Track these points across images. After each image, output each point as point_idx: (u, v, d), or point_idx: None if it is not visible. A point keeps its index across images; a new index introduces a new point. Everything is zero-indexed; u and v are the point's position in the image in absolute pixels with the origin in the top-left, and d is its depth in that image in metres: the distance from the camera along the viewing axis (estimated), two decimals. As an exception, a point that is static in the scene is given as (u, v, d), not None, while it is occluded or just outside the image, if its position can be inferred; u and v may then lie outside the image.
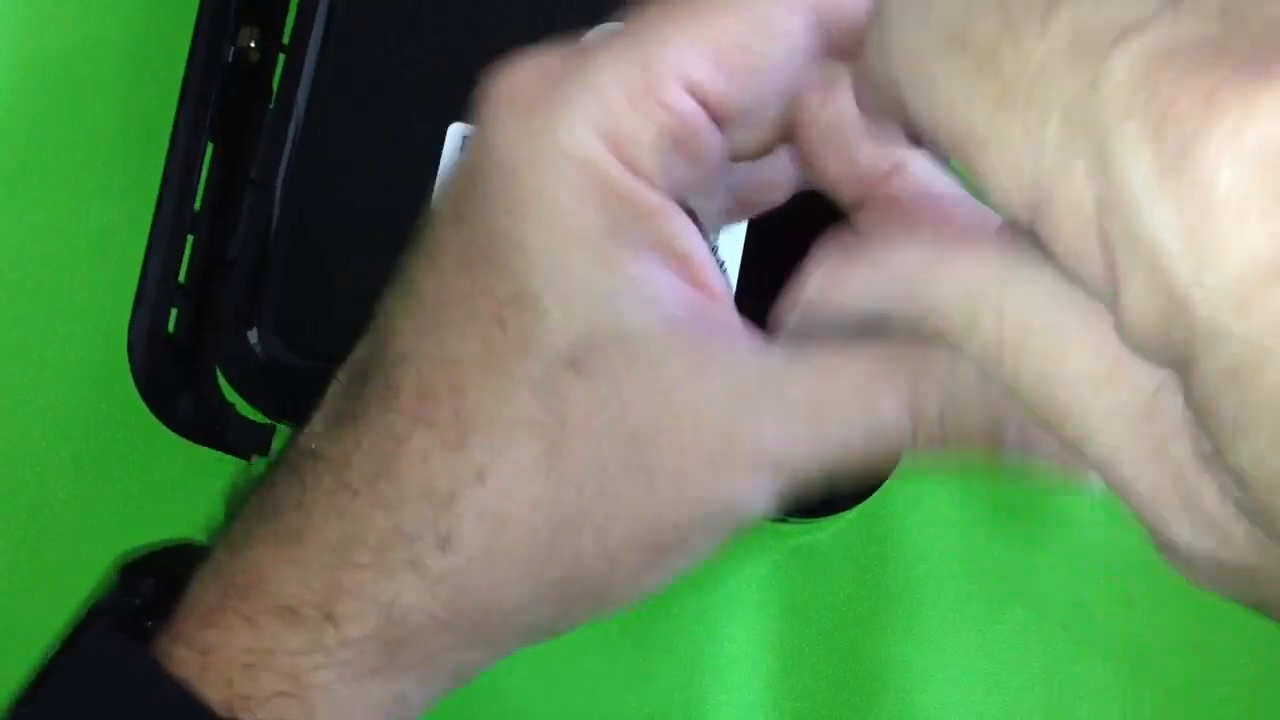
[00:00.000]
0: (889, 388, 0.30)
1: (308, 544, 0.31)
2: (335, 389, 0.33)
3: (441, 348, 0.31)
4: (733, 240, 0.45)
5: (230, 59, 0.47)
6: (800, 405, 0.30)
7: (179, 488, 0.50)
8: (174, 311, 0.46)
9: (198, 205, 0.47)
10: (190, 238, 0.46)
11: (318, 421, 0.33)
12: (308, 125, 0.45)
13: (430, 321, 0.31)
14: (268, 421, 0.47)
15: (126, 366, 0.46)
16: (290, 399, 0.46)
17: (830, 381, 0.30)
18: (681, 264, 0.31)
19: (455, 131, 0.45)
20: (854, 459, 0.31)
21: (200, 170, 0.47)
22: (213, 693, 0.31)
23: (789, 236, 0.45)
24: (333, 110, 0.45)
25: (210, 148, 0.47)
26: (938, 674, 0.49)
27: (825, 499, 0.46)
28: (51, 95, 0.52)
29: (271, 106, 0.46)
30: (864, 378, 0.30)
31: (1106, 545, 0.50)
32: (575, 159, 0.30)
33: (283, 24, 0.48)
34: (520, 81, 0.30)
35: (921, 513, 0.50)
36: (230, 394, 0.47)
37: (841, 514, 0.46)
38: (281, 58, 0.47)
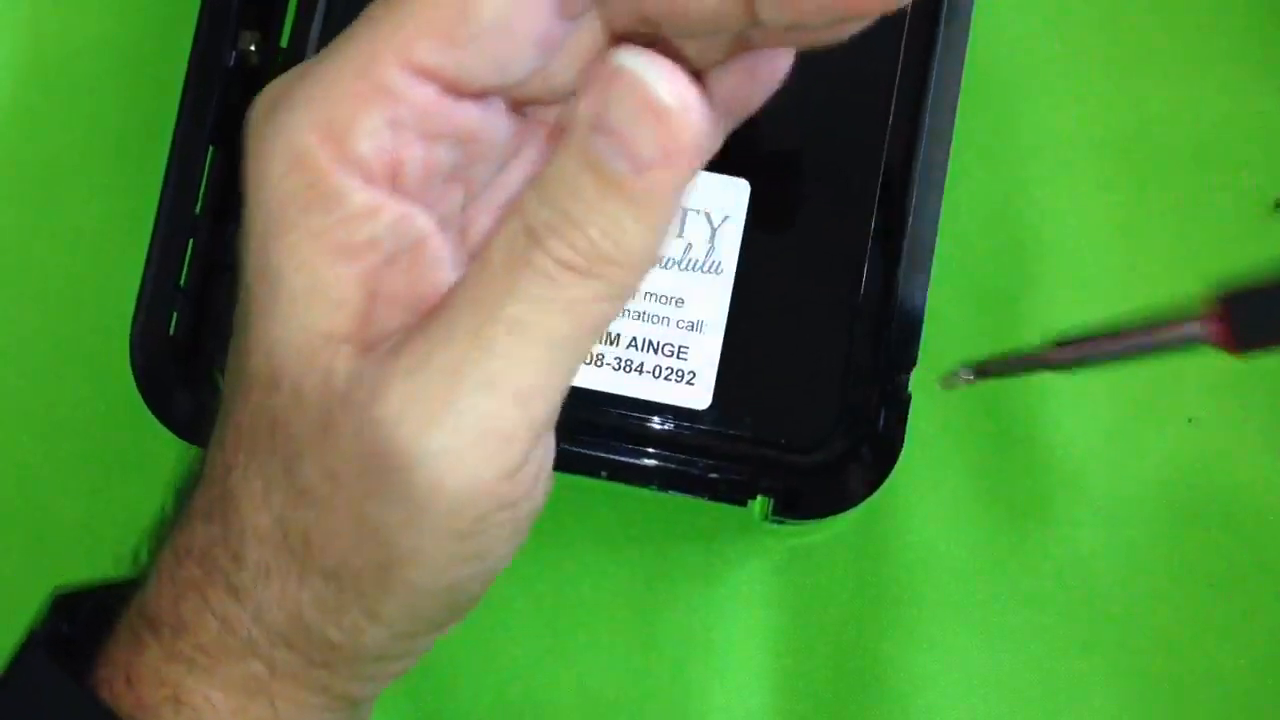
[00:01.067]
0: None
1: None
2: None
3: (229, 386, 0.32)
4: (732, 239, 0.45)
5: (230, 62, 0.47)
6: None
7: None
8: (174, 314, 0.46)
9: (198, 208, 0.47)
10: (191, 240, 0.47)
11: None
12: (307, 128, 0.45)
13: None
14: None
15: (127, 368, 0.46)
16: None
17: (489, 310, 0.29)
18: (378, 254, 0.29)
19: (453, 133, 0.45)
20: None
21: (201, 173, 0.47)
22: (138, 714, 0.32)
23: (789, 234, 0.45)
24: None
25: (210, 150, 0.47)
26: (937, 674, 0.49)
27: (825, 499, 0.46)
28: (52, 98, 0.52)
29: (271, 109, 0.46)
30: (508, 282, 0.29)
31: (1107, 545, 0.50)
32: (288, 157, 0.29)
33: (282, 28, 0.48)
34: (269, 92, 0.30)
35: (921, 513, 0.50)
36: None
37: (841, 514, 0.46)
38: (280, 61, 0.47)
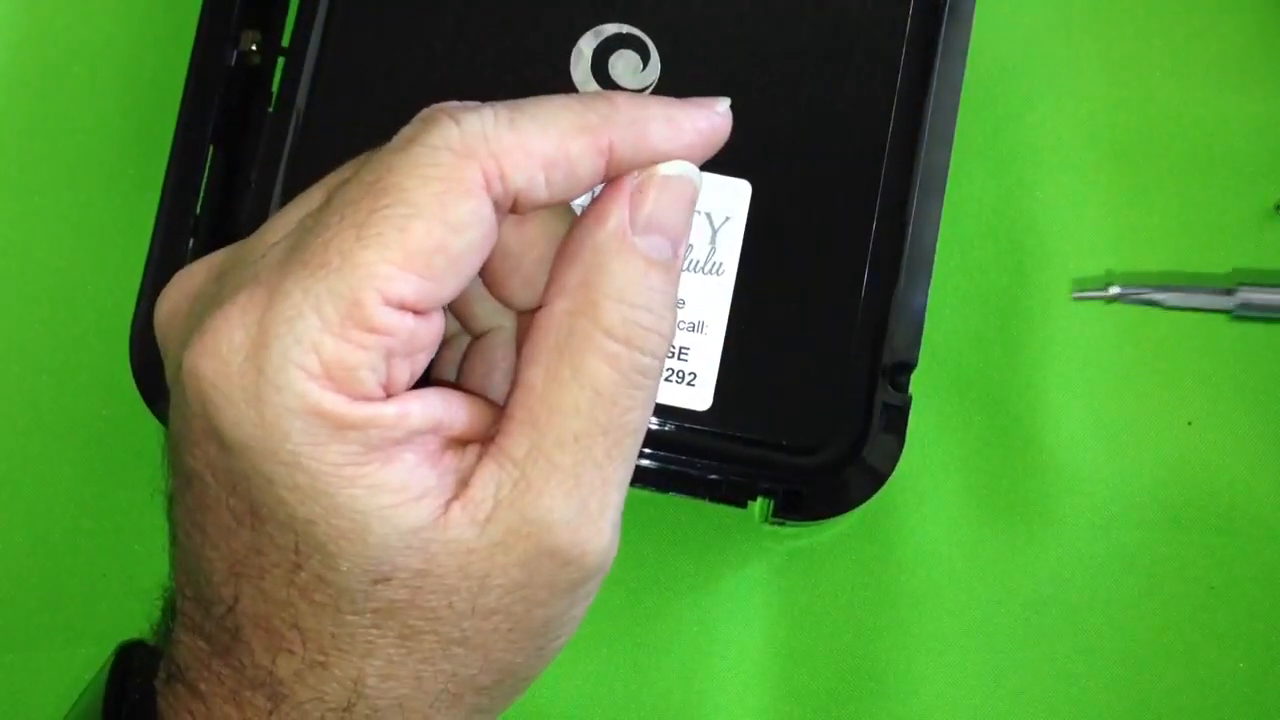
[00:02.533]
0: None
1: None
2: (187, 617, 0.35)
3: (263, 598, 0.32)
4: (733, 240, 0.45)
5: (232, 62, 0.47)
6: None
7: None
8: (175, 313, 0.46)
9: (199, 208, 0.47)
10: (191, 240, 0.47)
11: (183, 647, 0.35)
12: (307, 128, 0.46)
13: (235, 574, 0.33)
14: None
15: (128, 368, 0.46)
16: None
17: (555, 423, 0.33)
18: (428, 437, 0.32)
19: (454, 134, 0.45)
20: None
21: (202, 173, 0.47)
22: None
23: (790, 235, 0.45)
24: (332, 113, 0.46)
25: (211, 150, 0.47)
26: (937, 675, 0.49)
27: (825, 501, 0.46)
28: (54, 98, 0.52)
29: (272, 109, 0.46)
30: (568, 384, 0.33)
31: (1106, 547, 0.50)
32: (302, 412, 0.31)
33: (283, 28, 0.48)
34: (224, 349, 0.31)
35: (921, 514, 0.50)
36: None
37: (841, 516, 0.46)
38: (281, 61, 0.47)
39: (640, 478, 0.46)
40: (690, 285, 0.45)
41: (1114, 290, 0.50)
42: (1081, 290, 0.49)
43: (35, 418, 0.50)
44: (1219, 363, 0.51)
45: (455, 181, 0.31)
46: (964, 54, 0.47)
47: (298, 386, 0.31)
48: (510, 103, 0.34)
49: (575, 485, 0.32)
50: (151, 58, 0.51)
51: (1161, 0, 0.53)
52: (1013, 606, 0.50)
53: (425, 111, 0.34)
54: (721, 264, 0.45)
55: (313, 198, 0.34)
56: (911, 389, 0.46)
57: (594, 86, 0.46)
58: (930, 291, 0.46)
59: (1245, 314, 0.50)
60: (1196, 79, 0.52)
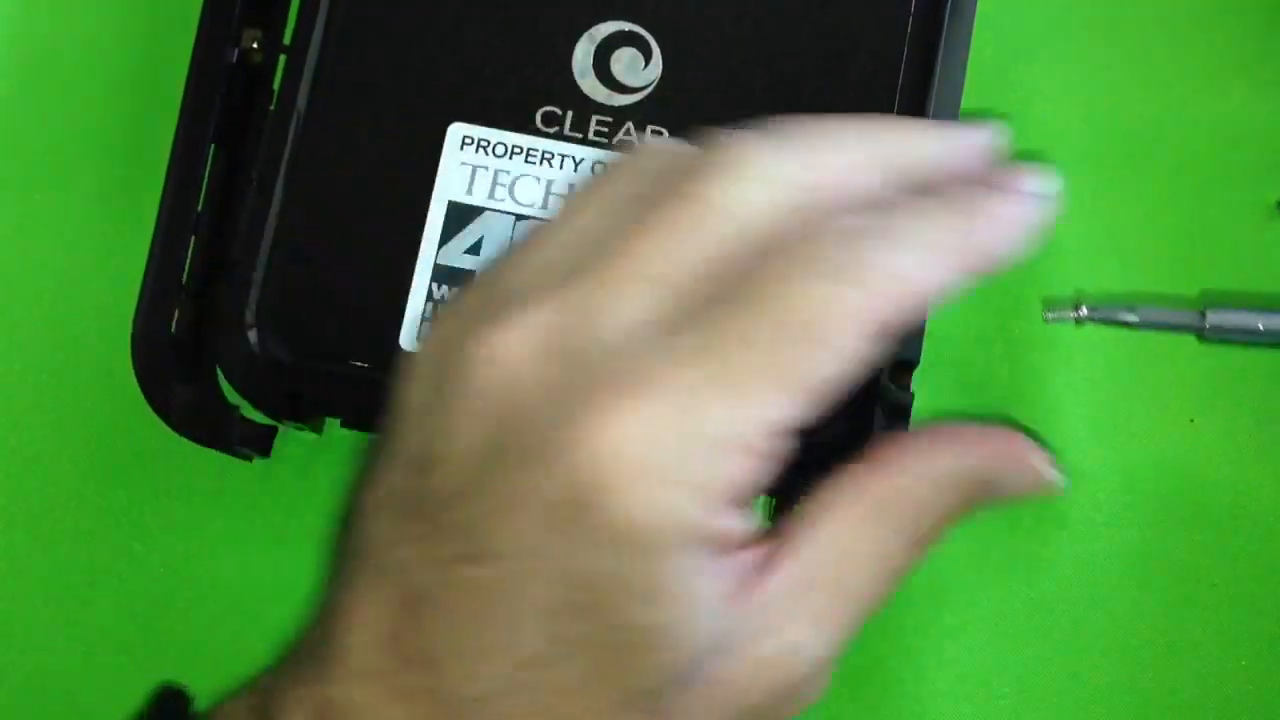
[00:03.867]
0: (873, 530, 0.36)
1: None
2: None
3: (554, 682, 0.32)
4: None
5: (232, 61, 0.47)
6: (823, 607, 0.35)
7: (181, 489, 0.50)
8: (176, 312, 0.46)
9: (200, 206, 0.47)
10: (193, 239, 0.47)
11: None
12: (309, 126, 0.45)
13: (532, 659, 0.32)
14: (269, 423, 0.47)
15: (129, 367, 0.46)
16: (291, 400, 0.46)
17: (825, 564, 0.35)
18: (730, 549, 0.33)
19: (455, 132, 0.45)
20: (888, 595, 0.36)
21: (203, 172, 0.47)
22: None
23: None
24: (334, 111, 0.45)
25: (212, 149, 0.47)
26: (938, 674, 0.49)
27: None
28: (53, 97, 0.52)
29: (273, 108, 0.46)
30: (849, 531, 0.35)
31: (1107, 545, 0.50)
32: (694, 532, 0.31)
33: (284, 26, 0.48)
34: (631, 447, 0.31)
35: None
36: (232, 395, 0.47)
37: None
38: (283, 59, 0.47)
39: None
40: (692, 283, 0.45)
41: (1083, 311, 0.49)
42: (1052, 310, 0.49)
43: (34, 417, 0.50)
44: (1220, 361, 0.51)
45: (856, 321, 0.32)
46: (966, 52, 0.47)
47: (691, 506, 0.31)
48: None
49: (834, 630, 0.35)
50: (152, 56, 0.51)
51: (1162, 2, 0.53)
52: (1014, 605, 0.50)
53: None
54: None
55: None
56: (914, 388, 0.45)
57: (595, 84, 0.46)
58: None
59: (1215, 337, 0.50)
60: (1198, 80, 0.52)
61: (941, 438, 0.37)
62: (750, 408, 0.31)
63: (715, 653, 0.33)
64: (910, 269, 0.33)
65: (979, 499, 0.37)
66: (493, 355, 0.32)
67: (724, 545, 0.32)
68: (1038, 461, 0.38)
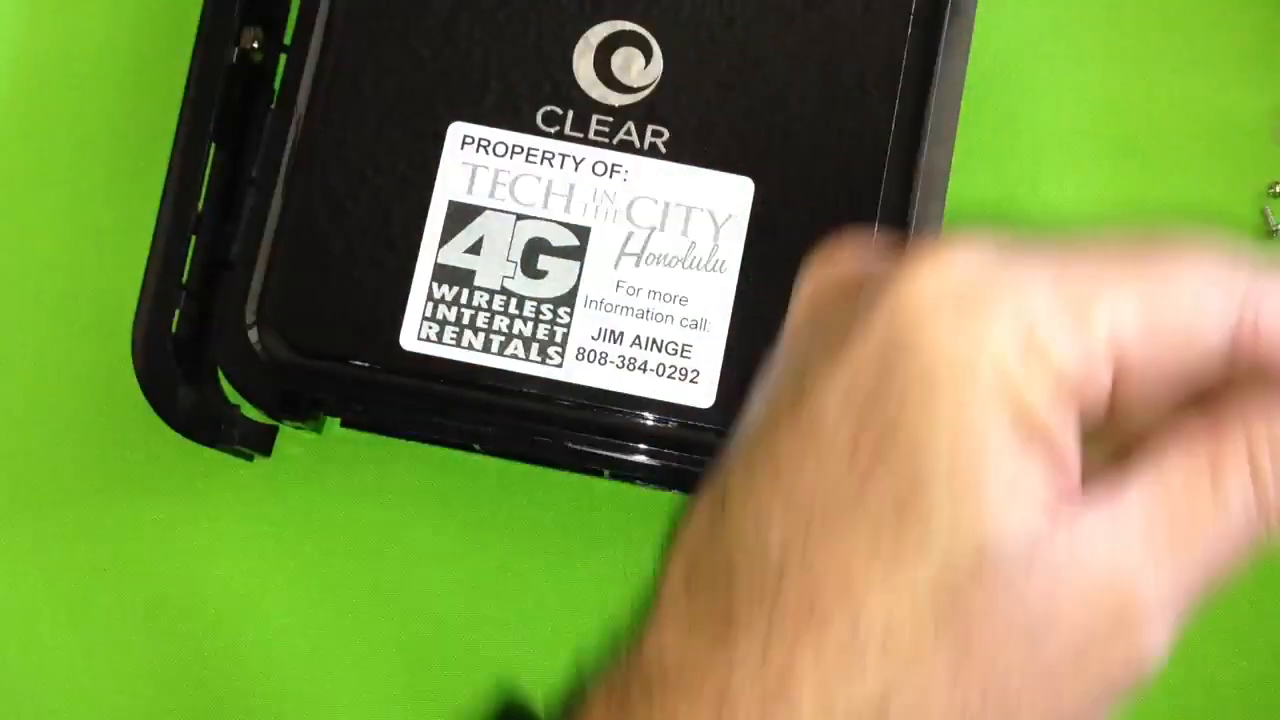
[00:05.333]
0: (1228, 478, 0.30)
1: None
2: (675, 586, 0.31)
3: (829, 550, 0.29)
4: (735, 237, 0.45)
5: (233, 60, 0.47)
6: (1164, 542, 0.30)
7: (183, 488, 0.50)
8: (177, 312, 0.46)
9: (200, 206, 0.47)
10: (193, 238, 0.47)
11: (667, 630, 0.30)
12: (309, 126, 0.45)
13: (811, 516, 0.29)
14: (270, 422, 0.47)
15: (129, 366, 0.46)
16: (291, 399, 0.46)
17: (1172, 500, 0.30)
18: (1060, 461, 0.30)
19: (456, 131, 0.45)
20: (1231, 565, 0.31)
21: (203, 171, 0.47)
22: None
23: (792, 232, 0.45)
24: (334, 111, 0.45)
25: (213, 148, 0.47)
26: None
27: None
28: (55, 96, 0.52)
29: (273, 107, 0.46)
30: (1199, 477, 0.30)
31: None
32: (998, 373, 0.29)
33: (285, 25, 0.48)
34: (953, 280, 0.29)
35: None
36: (232, 394, 0.47)
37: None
38: (283, 59, 0.47)
39: (643, 475, 0.46)
40: (692, 282, 0.45)
41: None
42: None
43: (35, 414, 0.50)
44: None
45: (1226, 280, 0.30)
46: (967, 51, 0.47)
47: (1005, 338, 0.29)
48: None
49: (1177, 578, 0.30)
50: (153, 55, 0.51)
51: (1161, 1, 0.53)
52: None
53: None
54: (724, 261, 0.45)
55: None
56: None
57: (596, 84, 0.46)
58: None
59: None
60: (1199, 75, 0.52)
61: None
62: (1098, 285, 0.29)
63: (1029, 565, 0.29)
64: None
65: None
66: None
67: (1046, 442, 0.29)
68: None
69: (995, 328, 0.29)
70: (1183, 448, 0.30)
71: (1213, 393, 0.31)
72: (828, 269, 0.33)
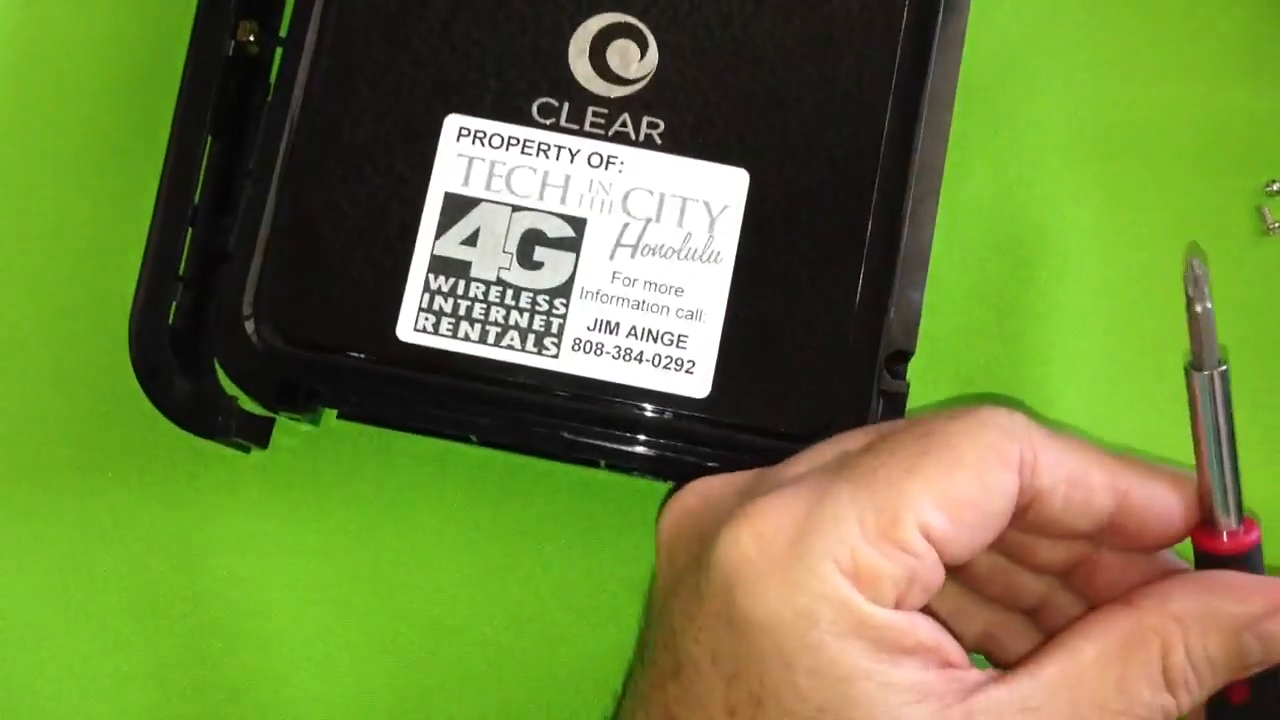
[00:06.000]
0: (1135, 670, 0.35)
1: None
2: None
3: None
4: (731, 228, 0.45)
5: (229, 52, 0.47)
6: None
7: (180, 480, 0.50)
8: (174, 304, 0.46)
9: (197, 197, 0.47)
10: (190, 230, 0.47)
11: None
12: (305, 118, 0.46)
13: None
14: (267, 414, 0.47)
15: (127, 359, 0.46)
16: (288, 391, 0.46)
17: (1080, 686, 0.35)
18: (930, 653, 0.34)
19: (452, 123, 0.45)
20: None
21: (200, 163, 0.47)
22: None
23: (788, 224, 0.45)
24: (330, 103, 0.46)
25: (209, 141, 0.47)
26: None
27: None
28: (51, 88, 0.52)
29: (269, 99, 0.46)
30: (1109, 667, 0.35)
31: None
32: (833, 601, 0.33)
33: (281, 18, 0.48)
34: (769, 530, 0.34)
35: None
36: (229, 386, 0.47)
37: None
38: (279, 51, 0.47)
39: (639, 466, 0.46)
40: (688, 273, 0.45)
41: None
42: None
43: (32, 406, 0.50)
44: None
45: (999, 452, 0.35)
46: (960, 47, 0.47)
47: (833, 578, 0.33)
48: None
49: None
50: (149, 48, 0.51)
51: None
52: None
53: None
54: (719, 252, 0.45)
55: (854, 439, 0.37)
56: (911, 384, 0.45)
57: (591, 76, 0.46)
58: (929, 286, 0.46)
59: None
60: (1194, 73, 0.52)
61: (1219, 582, 0.36)
62: (879, 498, 0.34)
63: None
64: None
65: (1248, 660, 0.36)
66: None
67: (906, 647, 0.33)
68: None
69: (821, 571, 0.33)
70: (1097, 636, 0.35)
71: (1135, 585, 0.36)
72: (678, 510, 0.38)
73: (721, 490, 0.37)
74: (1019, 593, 0.41)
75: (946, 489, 0.34)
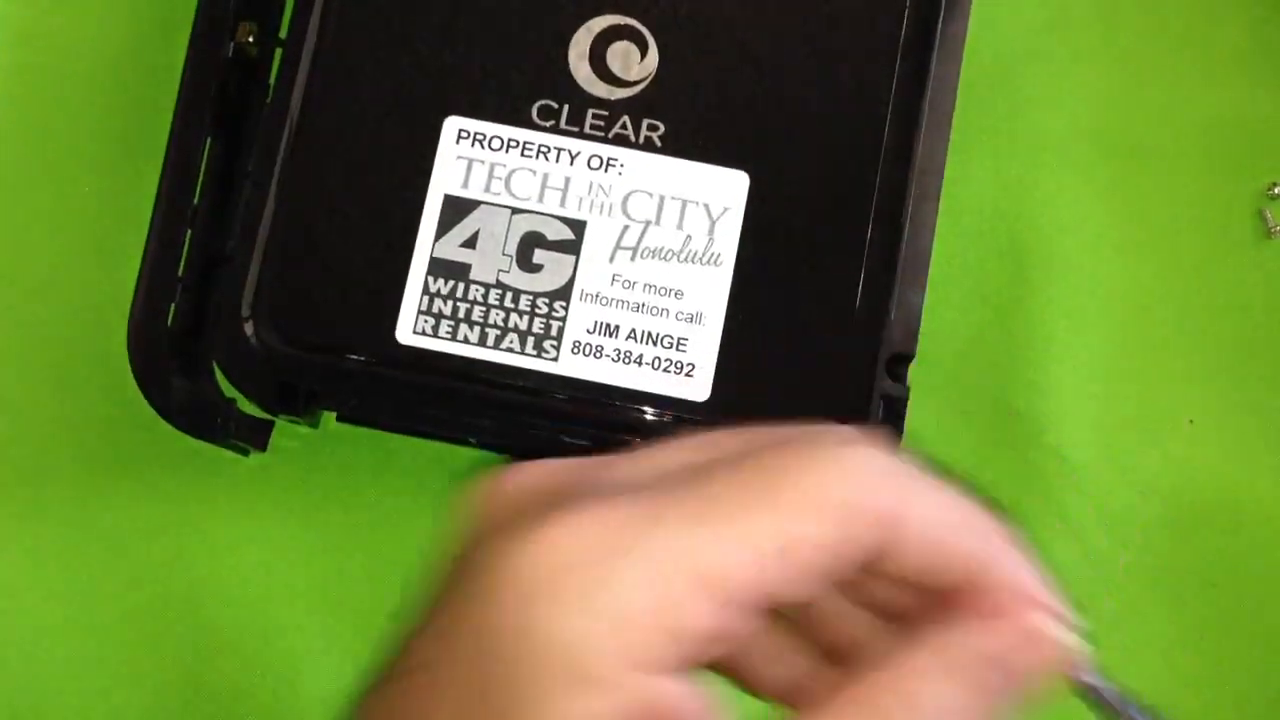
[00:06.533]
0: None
1: None
2: None
3: None
4: (731, 231, 0.45)
5: (229, 53, 0.47)
6: None
7: (178, 483, 0.50)
8: (173, 305, 0.46)
9: (196, 199, 0.47)
10: (189, 232, 0.47)
11: None
12: (304, 119, 0.46)
13: None
14: (266, 416, 0.47)
15: (125, 360, 0.46)
16: (287, 393, 0.46)
17: None
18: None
19: (451, 125, 0.45)
20: None
21: (199, 164, 0.47)
22: None
23: (788, 226, 0.45)
24: (329, 105, 0.46)
25: (208, 142, 0.47)
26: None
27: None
28: (50, 90, 0.52)
29: (269, 101, 0.46)
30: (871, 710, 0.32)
31: (1106, 544, 0.50)
32: (627, 633, 0.30)
33: (280, 19, 0.48)
34: (575, 549, 0.30)
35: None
36: (228, 388, 0.47)
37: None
38: (278, 52, 0.47)
39: (638, 469, 0.46)
40: (688, 276, 0.45)
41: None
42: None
43: (31, 408, 0.50)
44: (1220, 361, 0.51)
45: (854, 503, 0.31)
46: (961, 48, 0.47)
47: (631, 613, 0.30)
48: None
49: None
50: (148, 49, 0.51)
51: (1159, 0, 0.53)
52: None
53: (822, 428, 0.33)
54: (720, 255, 0.45)
55: (699, 449, 0.33)
56: (912, 388, 0.45)
57: (591, 78, 0.46)
58: (929, 290, 0.46)
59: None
60: (1196, 77, 0.52)
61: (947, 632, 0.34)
62: (705, 546, 0.30)
63: None
64: None
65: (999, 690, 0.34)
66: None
67: (652, 664, 0.30)
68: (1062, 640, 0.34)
69: (620, 607, 0.30)
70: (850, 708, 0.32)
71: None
72: (488, 496, 0.34)
73: (538, 483, 0.33)
74: (841, 634, 0.37)
75: (784, 535, 0.31)
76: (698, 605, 0.30)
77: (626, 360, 0.45)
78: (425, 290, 0.45)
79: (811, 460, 0.31)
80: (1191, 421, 0.50)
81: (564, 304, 0.45)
